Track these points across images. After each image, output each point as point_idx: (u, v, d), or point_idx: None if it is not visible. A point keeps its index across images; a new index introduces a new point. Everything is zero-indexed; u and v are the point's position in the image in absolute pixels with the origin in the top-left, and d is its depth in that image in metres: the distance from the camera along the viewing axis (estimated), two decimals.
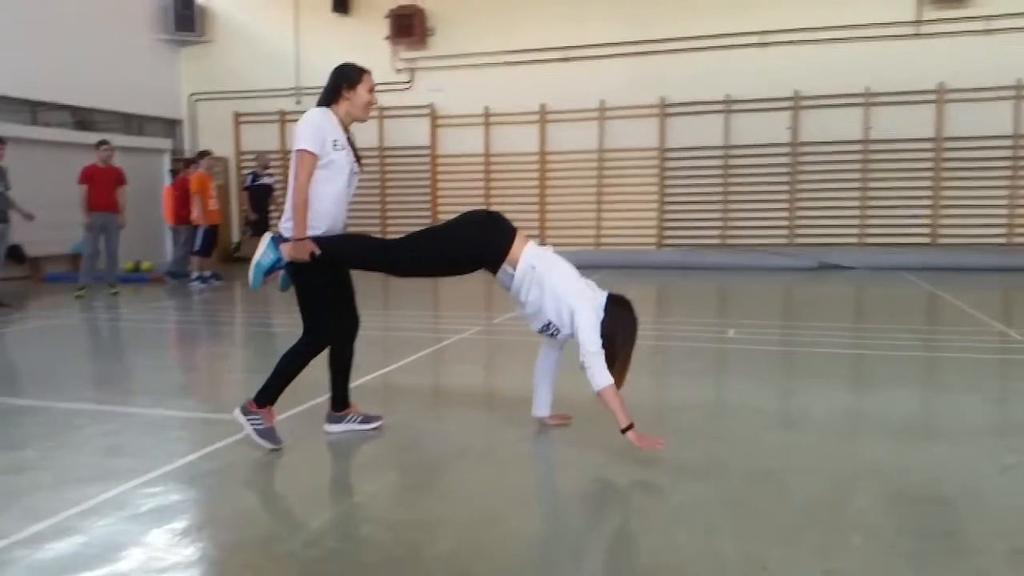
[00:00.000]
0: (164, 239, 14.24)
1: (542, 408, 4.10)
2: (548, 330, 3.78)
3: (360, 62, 3.93)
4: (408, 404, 4.78)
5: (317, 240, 3.67)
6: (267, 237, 3.80)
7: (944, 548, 2.67)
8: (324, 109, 3.80)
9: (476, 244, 3.76)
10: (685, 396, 4.90)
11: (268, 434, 3.81)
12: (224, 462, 3.66)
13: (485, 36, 14.23)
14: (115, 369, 6.23)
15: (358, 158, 3.92)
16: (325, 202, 3.73)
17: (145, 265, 12.85)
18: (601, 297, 3.73)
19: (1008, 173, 12.35)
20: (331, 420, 4.08)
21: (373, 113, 4.04)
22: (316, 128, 3.69)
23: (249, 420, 3.80)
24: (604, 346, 3.58)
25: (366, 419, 4.11)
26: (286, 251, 3.69)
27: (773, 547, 2.68)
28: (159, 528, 2.89)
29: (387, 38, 14.48)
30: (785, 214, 13.31)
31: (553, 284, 3.66)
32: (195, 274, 11.45)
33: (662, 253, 13.63)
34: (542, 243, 3.90)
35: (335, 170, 3.74)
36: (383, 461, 3.78)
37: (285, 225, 3.74)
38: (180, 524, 2.94)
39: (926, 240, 12.74)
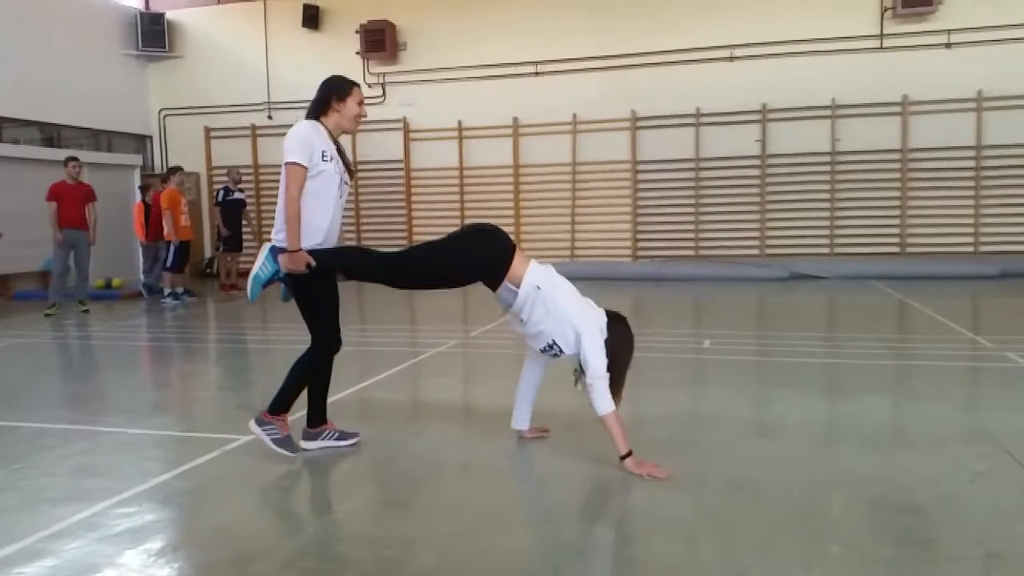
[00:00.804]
0: (135, 256, 14.06)
1: (522, 421, 4.09)
2: (551, 351, 3.74)
3: None
4: (385, 419, 4.76)
5: (313, 252, 3.67)
6: (265, 248, 3.79)
7: (920, 556, 2.70)
8: (313, 122, 3.81)
9: (476, 259, 3.73)
10: (663, 407, 4.91)
11: (285, 442, 3.84)
12: (199, 481, 3.62)
13: (456, 50, 14.29)
14: (86, 387, 6.13)
15: (348, 169, 3.93)
16: (318, 213, 3.73)
17: (116, 282, 12.68)
18: (603, 317, 3.73)
19: (972, 183, 12.60)
20: (307, 437, 4.04)
21: None
22: (304, 141, 3.70)
23: (265, 430, 3.83)
24: (608, 368, 3.57)
25: (342, 435, 4.08)
26: (282, 263, 3.68)
27: (752, 557, 2.70)
28: (133, 549, 2.84)
29: (358, 53, 14.47)
30: (756, 225, 13.46)
31: (560, 306, 3.62)
32: (167, 291, 11.32)
33: (636, 264, 13.71)
34: None
35: (325, 181, 3.75)
36: (360, 477, 3.76)
37: (277, 237, 3.74)
38: (155, 545, 2.89)
39: (895, 249, 12.94)
